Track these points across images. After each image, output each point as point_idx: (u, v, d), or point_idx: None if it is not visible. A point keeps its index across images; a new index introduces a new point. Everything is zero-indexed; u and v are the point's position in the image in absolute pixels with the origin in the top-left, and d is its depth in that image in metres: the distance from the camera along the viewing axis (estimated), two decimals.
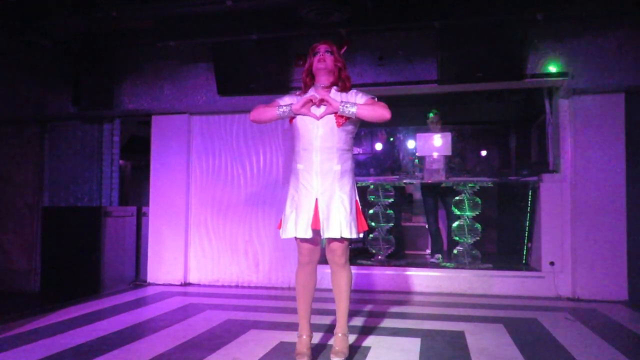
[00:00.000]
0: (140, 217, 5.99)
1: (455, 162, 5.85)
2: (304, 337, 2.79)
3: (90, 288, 5.22)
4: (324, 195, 2.70)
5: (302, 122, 2.75)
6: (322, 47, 2.79)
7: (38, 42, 5.23)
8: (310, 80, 2.86)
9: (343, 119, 2.71)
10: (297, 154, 2.81)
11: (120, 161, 6.29)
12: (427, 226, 6.20)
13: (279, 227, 2.86)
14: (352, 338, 3.26)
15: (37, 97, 5.91)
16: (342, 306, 2.83)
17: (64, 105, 5.78)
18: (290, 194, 2.83)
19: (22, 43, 5.29)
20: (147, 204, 5.85)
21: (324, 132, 2.71)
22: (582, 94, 4.80)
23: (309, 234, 2.69)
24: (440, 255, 5.80)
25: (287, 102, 2.81)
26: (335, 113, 2.69)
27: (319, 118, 2.71)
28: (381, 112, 2.67)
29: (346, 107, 2.65)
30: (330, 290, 2.94)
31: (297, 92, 2.91)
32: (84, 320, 3.92)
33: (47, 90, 5.89)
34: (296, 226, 2.71)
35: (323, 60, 2.76)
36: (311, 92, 2.80)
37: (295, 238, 2.77)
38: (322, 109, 2.71)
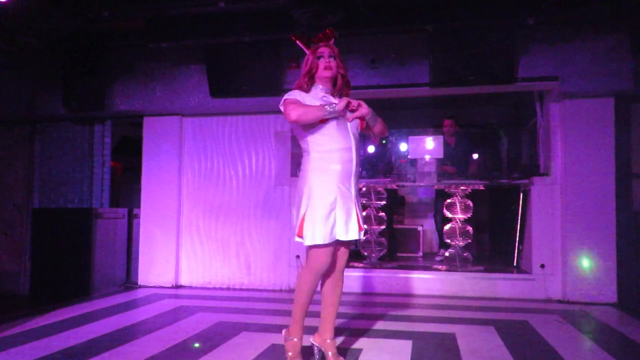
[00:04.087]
0: (132, 219, 5.97)
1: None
2: (296, 339, 2.77)
3: (81, 290, 5.19)
4: (353, 197, 2.72)
5: (338, 122, 2.69)
6: (327, 51, 2.74)
7: (29, 43, 5.18)
8: (310, 81, 2.78)
9: (364, 124, 2.75)
10: (331, 154, 2.67)
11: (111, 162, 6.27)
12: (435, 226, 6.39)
13: (300, 234, 2.65)
14: (343, 340, 3.27)
15: (28, 97, 5.87)
16: (334, 311, 2.82)
17: (55, 106, 5.74)
18: (317, 197, 2.62)
19: (12, 43, 5.25)
20: (138, 205, 5.82)
21: (354, 134, 2.73)
22: (573, 97, 4.85)
23: (360, 235, 2.70)
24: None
25: (308, 100, 2.70)
26: (362, 117, 2.71)
27: (350, 120, 2.70)
28: (386, 129, 2.82)
29: (374, 114, 2.72)
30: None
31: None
32: (74, 322, 3.89)
33: (37, 91, 5.85)
34: (347, 228, 2.64)
35: (330, 67, 2.72)
36: (313, 93, 2.75)
37: (324, 245, 2.61)
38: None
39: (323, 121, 2.65)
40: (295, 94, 2.71)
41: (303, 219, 2.64)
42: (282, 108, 2.69)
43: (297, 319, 2.76)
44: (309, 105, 2.65)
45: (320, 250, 2.63)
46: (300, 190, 2.71)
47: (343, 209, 2.64)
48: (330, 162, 2.67)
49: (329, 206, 2.61)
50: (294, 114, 2.59)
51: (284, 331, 2.82)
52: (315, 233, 2.58)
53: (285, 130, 5.49)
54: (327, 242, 2.59)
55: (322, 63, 2.73)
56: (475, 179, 5.58)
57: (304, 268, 2.75)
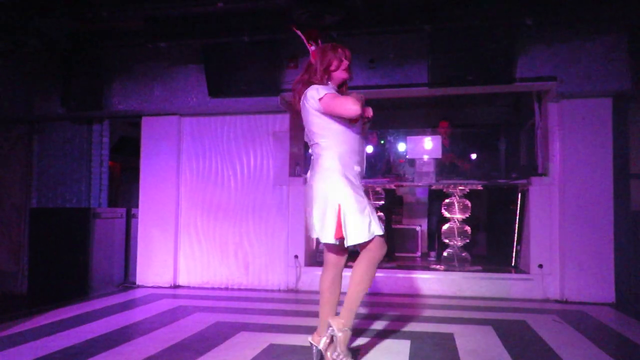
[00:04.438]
0: (130, 219, 5.96)
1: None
2: (350, 332, 2.74)
3: (79, 290, 5.18)
4: None
5: (358, 123, 2.73)
6: (344, 54, 2.78)
7: (27, 42, 5.17)
8: (328, 78, 2.77)
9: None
10: (352, 154, 2.71)
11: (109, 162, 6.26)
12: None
13: (340, 235, 2.63)
14: None
15: (26, 97, 5.85)
16: (334, 311, 2.85)
17: (53, 106, 5.74)
18: (353, 195, 2.64)
19: (11, 43, 5.24)
20: (136, 205, 5.82)
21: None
22: (571, 98, 4.85)
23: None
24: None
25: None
26: (367, 121, 2.79)
27: (363, 123, 2.78)
28: None
29: None
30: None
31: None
32: (72, 322, 3.88)
33: (36, 91, 5.84)
34: (379, 225, 2.68)
35: (348, 71, 2.79)
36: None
37: (380, 236, 2.67)
38: None
39: (354, 120, 2.67)
40: (327, 89, 2.68)
41: (340, 220, 2.61)
42: (322, 104, 2.61)
43: (355, 310, 2.73)
44: (355, 99, 2.64)
45: (380, 241, 2.66)
46: (324, 190, 2.65)
47: (371, 207, 2.69)
48: (353, 162, 2.71)
49: (362, 204, 2.63)
50: (358, 107, 2.56)
51: (336, 323, 2.66)
52: (360, 231, 2.59)
53: (284, 130, 5.49)
54: (370, 238, 2.61)
55: (344, 66, 2.76)
56: (473, 178, 5.59)
57: (368, 264, 2.69)
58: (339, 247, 2.74)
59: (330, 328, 2.67)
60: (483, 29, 4.65)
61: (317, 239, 2.76)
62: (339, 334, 2.65)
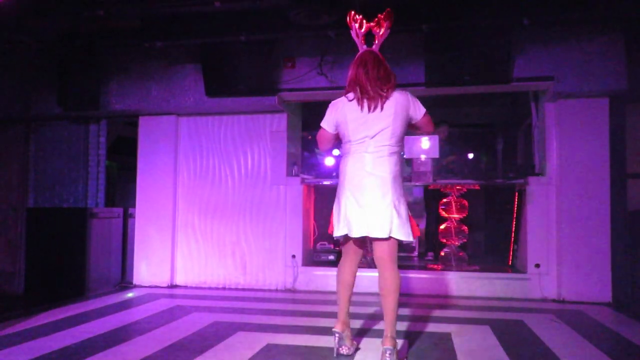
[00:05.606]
0: (127, 219, 5.94)
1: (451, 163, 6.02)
2: None
3: (76, 290, 5.17)
4: None
5: None
6: None
7: (23, 42, 5.16)
8: None
9: None
10: None
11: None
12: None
13: (418, 233, 2.96)
14: None
15: (23, 96, 5.84)
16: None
17: (50, 106, 5.71)
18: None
19: (7, 42, 5.22)
20: (133, 205, 5.81)
21: None
22: (568, 98, 4.86)
23: None
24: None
25: None
26: None
27: None
28: None
29: None
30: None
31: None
32: (69, 322, 3.88)
33: (32, 90, 5.82)
34: None
35: None
36: None
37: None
38: None
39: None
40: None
41: (412, 219, 2.88)
42: (425, 116, 2.97)
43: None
44: None
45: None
46: (399, 189, 2.82)
47: None
48: None
49: None
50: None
51: (393, 343, 2.73)
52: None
53: (281, 130, 5.49)
54: None
55: None
56: (470, 178, 5.60)
57: (395, 269, 2.90)
58: (363, 240, 2.93)
59: (390, 350, 2.70)
60: (480, 29, 4.64)
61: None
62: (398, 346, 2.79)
